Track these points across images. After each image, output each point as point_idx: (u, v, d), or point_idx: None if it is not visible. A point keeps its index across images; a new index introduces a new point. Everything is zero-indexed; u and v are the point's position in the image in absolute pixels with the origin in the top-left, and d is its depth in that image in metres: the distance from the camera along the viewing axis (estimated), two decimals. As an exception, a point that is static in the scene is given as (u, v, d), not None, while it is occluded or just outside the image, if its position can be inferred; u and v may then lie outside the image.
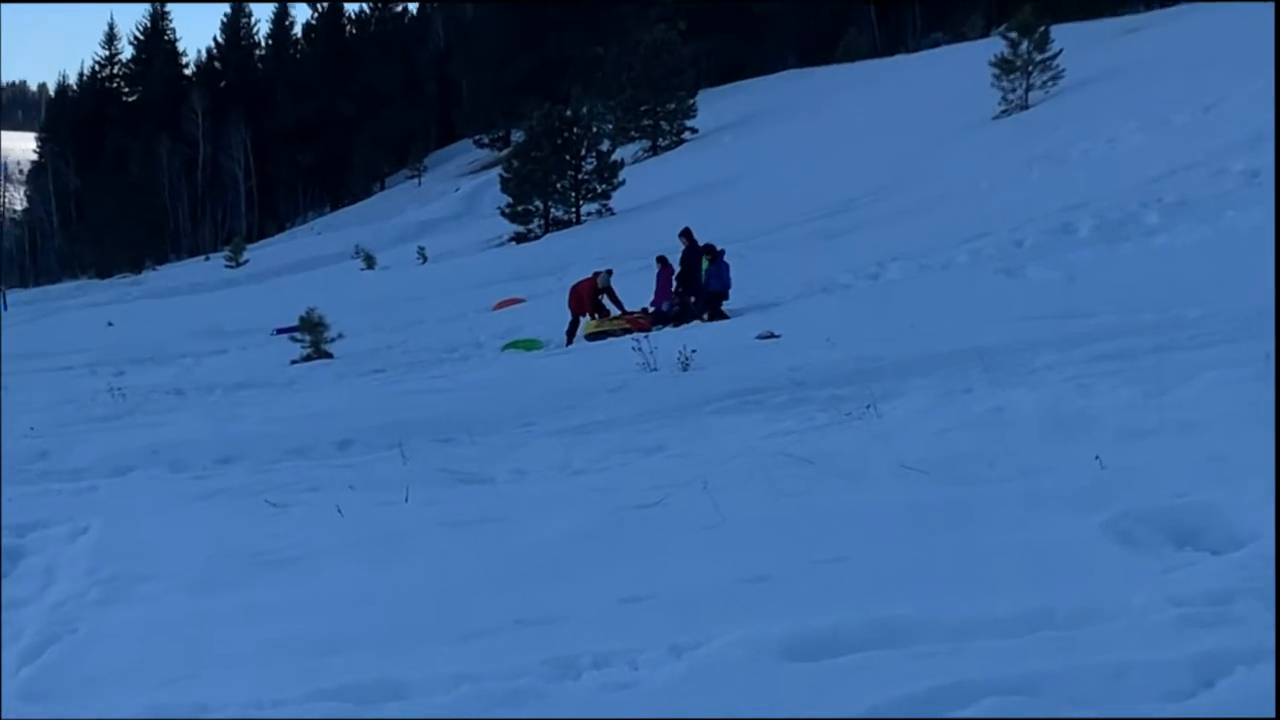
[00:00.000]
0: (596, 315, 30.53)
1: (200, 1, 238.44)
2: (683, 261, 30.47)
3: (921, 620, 6.10)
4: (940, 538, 7.73)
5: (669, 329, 27.47)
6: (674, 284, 30.50)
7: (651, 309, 30.39)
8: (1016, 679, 5.31)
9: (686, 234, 31.01)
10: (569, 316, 30.59)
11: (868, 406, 13.81)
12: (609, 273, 31.36)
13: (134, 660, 6.75)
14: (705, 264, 29.79)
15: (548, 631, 6.59)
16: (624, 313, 30.39)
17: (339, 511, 10.19)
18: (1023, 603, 6.21)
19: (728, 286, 29.53)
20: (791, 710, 5.27)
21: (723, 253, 29.89)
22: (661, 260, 30.98)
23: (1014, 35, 57.96)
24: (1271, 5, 39.11)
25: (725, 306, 29.21)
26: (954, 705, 5.15)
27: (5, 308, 72.74)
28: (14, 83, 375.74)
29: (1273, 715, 4.95)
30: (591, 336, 29.34)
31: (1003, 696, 5.14)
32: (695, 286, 30.02)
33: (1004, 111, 57.02)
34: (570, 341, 29.57)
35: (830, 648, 5.87)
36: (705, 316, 29.16)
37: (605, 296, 30.94)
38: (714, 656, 5.89)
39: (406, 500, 10.76)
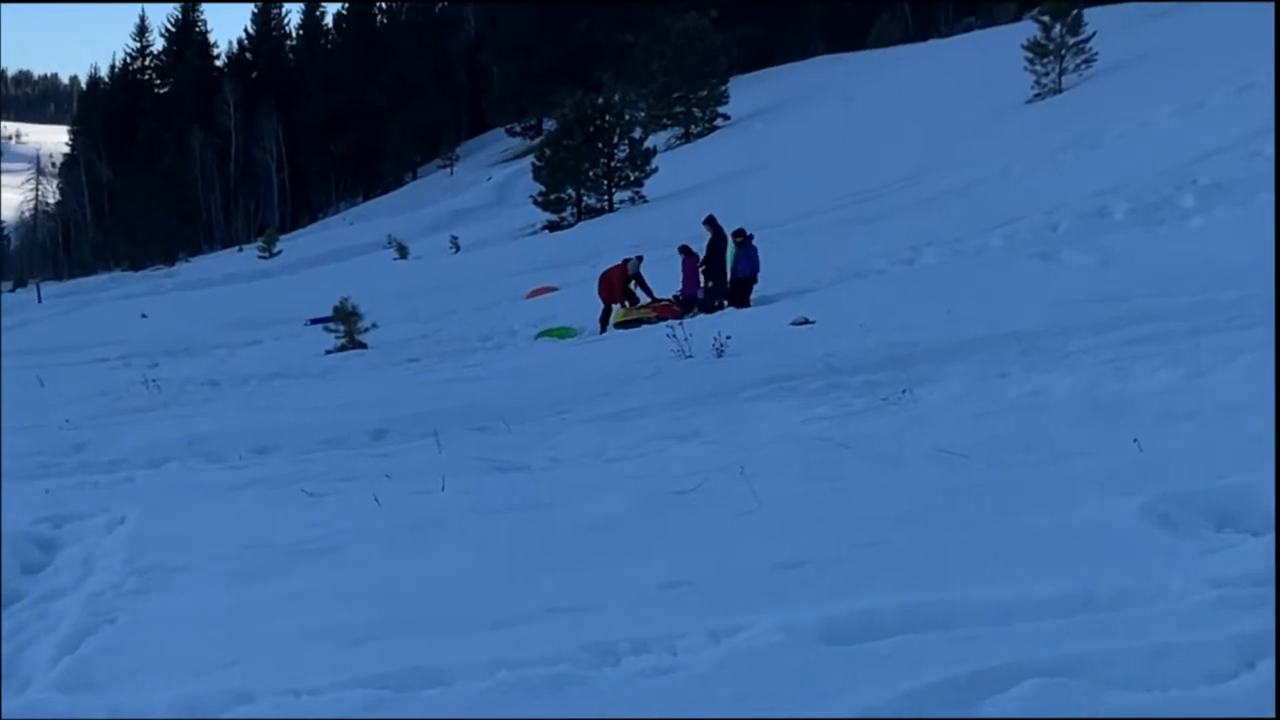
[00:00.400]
0: (627, 303, 30.47)
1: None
2: (708, 249, 30.33)
3: (960, 603, 6.09)
4: (978, 521, 7.73)
5: (702, 316, 27.40)
6: (700, 271, 30.38)
7: (682, 297, 30.28)
8: (1057, 661, 5.29)
9: (710, 222, 30.81)
10: (601, 305, 30.53)
11: (903, 391, 13.81)
12: (639, 259, 31.27)
13: (172, 649, 6.78)
14: (733, 249, 29.68)
15: (586, 617, 6.59)
16: (654, 300, 30.32)
17: (375, 500, 10.22)
18: (1062, 585, 6.20)
19: (756, 270, 29.41)
20: (831, 694, 5.25)
21: (751, 237, 29.79)
22: (684, 250, 30.89)
23: (1047, 19, 57.70)
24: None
25: (756, 292, 29.11)
26: (995, 688, 5.13)
27: (39, 300, 73.03)
28: (46, 75, 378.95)
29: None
30: (622, 324, 29.27)
31: (1044, 679, 5.11)
32: (720, 274, 29.90)
33: (1037, 95, 56.81)
34: (604, 329, 29.51)
35: (869, 632, 5.86)
36: (724, 303, 29.05)
37: (635, 284, 30.87)
38: (753, 641, 5.88)
39: (443, 489, 10.78)
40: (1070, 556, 6.73)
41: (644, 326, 27.65)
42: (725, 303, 29.24)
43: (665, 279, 30.93)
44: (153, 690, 6.10)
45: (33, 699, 6.32)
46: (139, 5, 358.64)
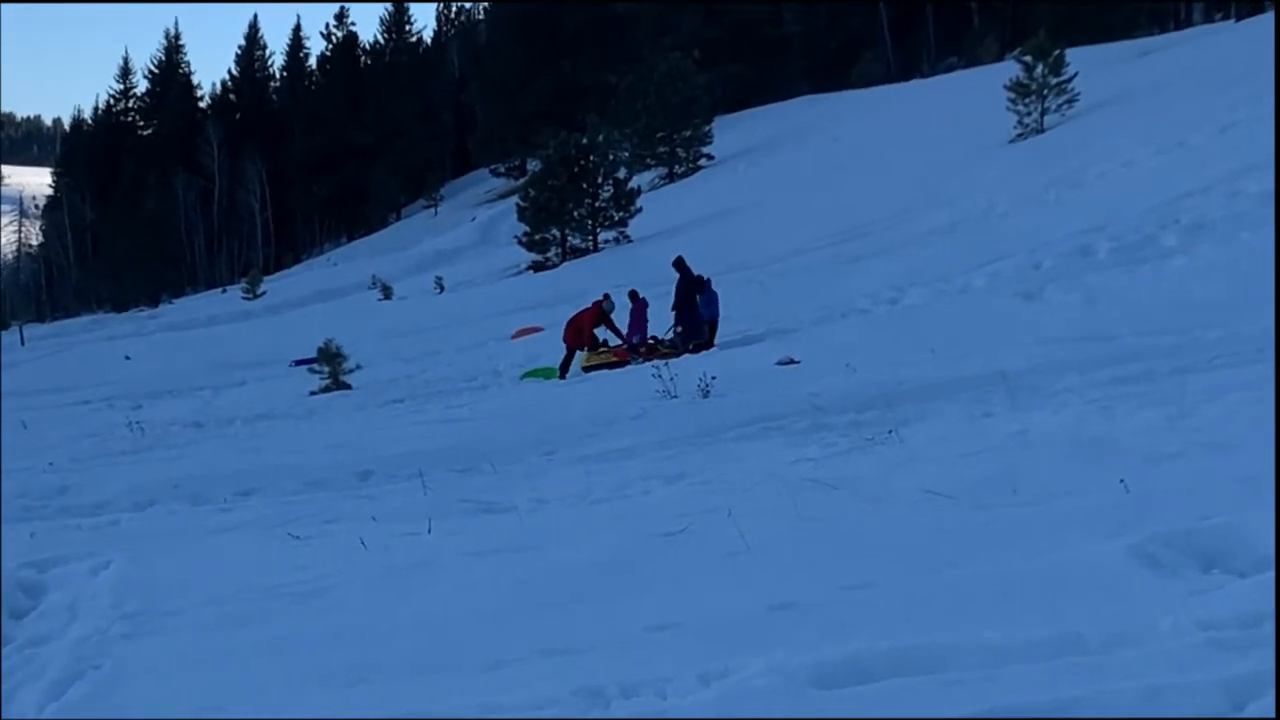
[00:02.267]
0: (587, 348, 30.27)
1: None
2: (677, 291, 30.19)
3: (950, 646, 6.07)
4: (967, 562, 7.72)
5: (688, 356, 27.38)
6: (672, 315, 30.24)
7: (636, 339, 30.05)
8: (1048, 704, 5.28)
9: (679, 263, 30.63)
10: (565, 349, 30.28)
11: (890, 431, 13.82)
12: (606, 298, 31.05)
13: (160, 695, 6.75)
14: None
15: (575, 661, 6.57)
16: (622, 341, 30.18)
17: (362, 543, 10.19)
18: (1051, 627, 6.19)
19: (716, 316, 29.43)
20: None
21: (709, 281, 29.79)
22: (633, 295, 30.70)
23: (1029, 59, 57.76)
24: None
25: (739, 332, 29.08)
26: (986, 732, 5.13)
27: (22, 342, 72.88)
28: (29, 117, 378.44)
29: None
30: (588, 369, 29.18)
31: (1034, 723, 5.12)
32: (690, 317, 29.78)
33: (1020, 135, 56.88)
34: (564, 375, 29.28)
35: (859, 675, 5.84)
36: (691, 347, 28.95)
37: (605, 326, 30.63)
38: (743, 684, 5.85)
39: (429, 531, 10.76)
40: (1059, 598, 6.72)
41: (629, 366, 27.70)
42: (692, 346, 29.05)
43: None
44: (141, 736, 6.08)
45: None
46: (122, 40, 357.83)
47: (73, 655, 7.62)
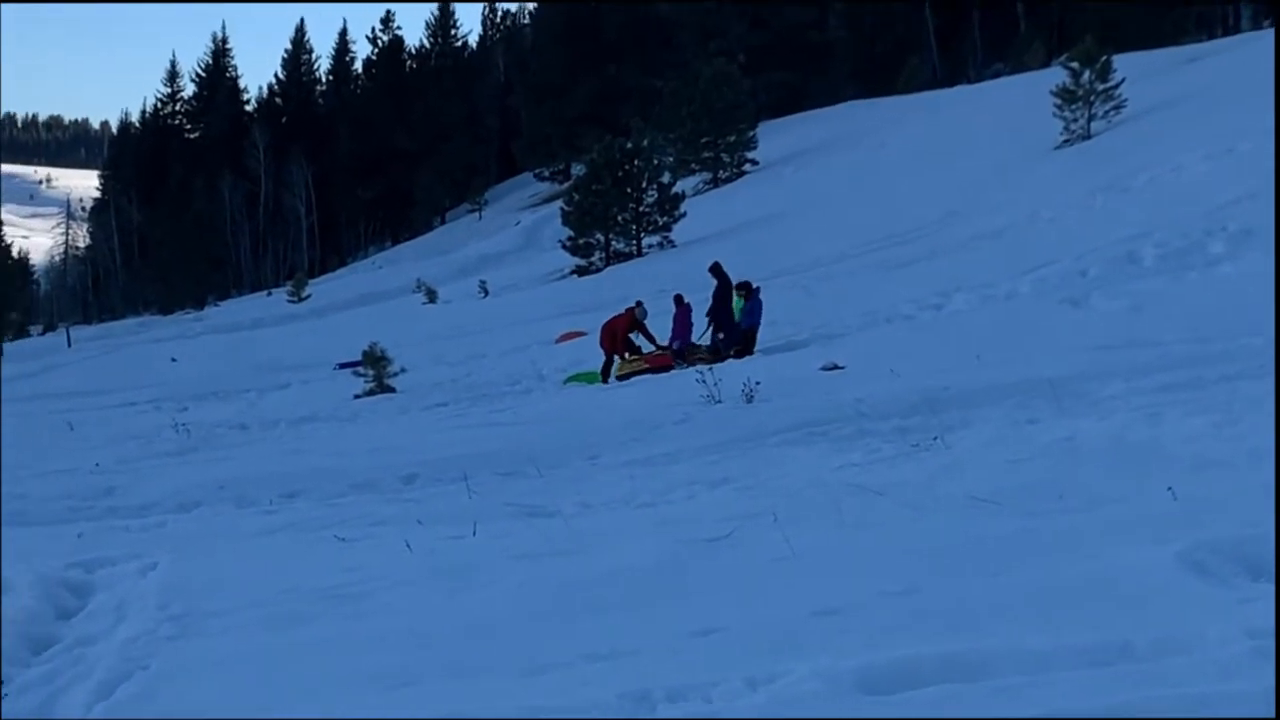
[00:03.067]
0: (627, 354, 30.24)
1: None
2: (714, 297, 30.13)
3: (997, 652, 6.06)
4: (1013, 569, 7.69)
5: (731, 361, 27.32)
6: (706, 320, 30.12)
7: (676, 344, 29.96)
8: (1094, 711, 5.26)
9: (716, 269, 30.52)
10: (604, 355, 30.28)
11: (935, 437, 13.78)
12: (639, 304, 30.94)
13: (207, 696, 6.77)
14: (740, 301, 29.51)
15: (620, 665, 6.56)
16: (656, 347, 30.13)
17: (407, 546, 10.20)
18: (1099, 634, 6.16)
19: (757, 324, 29.26)
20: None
21: (758, 289, 29.64)
22: (678, 299, 30.58)
23: (1076, 65, 57.37)
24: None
25: (784, 337, 28.95)
26: (1033, 739, 5.11)
27: (69, 344, 73.22)
28: (76, 120, 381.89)
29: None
30: (622, 376, 29.13)
31: (1083, 729, 5.10)
32: (726, 324, 29.68)
33: (1066, 141, 56.55)
34: (606, 380, 29.32)
35: (906, 681, 5.83)
36: (733, 353, 28.83)
37: (638, 332, 30.55)
38: (789, 690, 5.84)
39: (474, 534, 10.77)
40: (1106, 605, 6.70)
41: (673, 371, 27.68)
42: (734, 352, 28.95)
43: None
44: (188, 737, 6.10)
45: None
46: (169, 43, 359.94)
47: (120, 655, 7.66)
